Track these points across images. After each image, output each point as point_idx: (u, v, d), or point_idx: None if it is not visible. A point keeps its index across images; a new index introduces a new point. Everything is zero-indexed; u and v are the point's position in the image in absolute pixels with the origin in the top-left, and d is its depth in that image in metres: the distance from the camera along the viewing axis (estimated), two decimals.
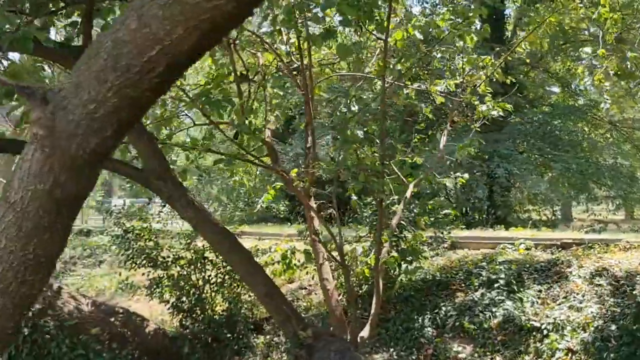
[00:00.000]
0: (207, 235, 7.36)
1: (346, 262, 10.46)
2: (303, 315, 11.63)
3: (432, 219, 11.02)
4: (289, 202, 25.02)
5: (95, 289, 15.34)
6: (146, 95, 2.66)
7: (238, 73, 10.42)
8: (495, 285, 10.67)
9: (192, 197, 7.02)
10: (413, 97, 10.42)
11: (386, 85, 10.39)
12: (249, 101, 9.84)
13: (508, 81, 10.68)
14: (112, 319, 10.93)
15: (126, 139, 7.48)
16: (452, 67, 11.00)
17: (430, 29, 9.64)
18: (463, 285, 11.05)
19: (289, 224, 23.31)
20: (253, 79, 10.49)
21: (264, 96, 10.67)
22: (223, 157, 8.97)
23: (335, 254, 8.77)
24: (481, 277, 11.02)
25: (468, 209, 22.98)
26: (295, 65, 10.38)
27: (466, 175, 10.64)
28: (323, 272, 9.20)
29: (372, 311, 8.80)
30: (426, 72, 10.91)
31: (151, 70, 2.57)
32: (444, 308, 10.53)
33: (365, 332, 8.77)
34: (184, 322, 11.55)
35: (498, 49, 13.89)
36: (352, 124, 8.55)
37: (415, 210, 10.70)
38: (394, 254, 9.43)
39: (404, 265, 10.83)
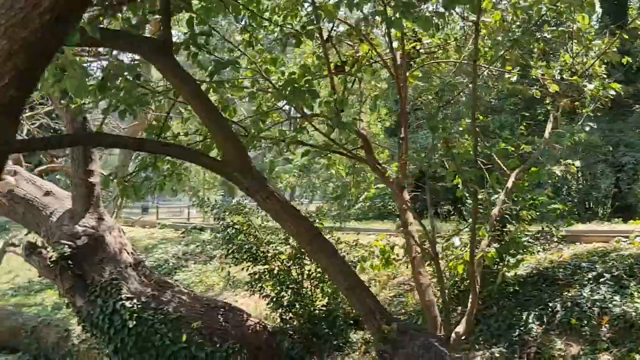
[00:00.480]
0: (288, 226, 7.23)
1: (443, 256, 10.15)
2: (402, 310, 11.40)
3: (538, 213, 10.45)
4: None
5: (205, 284, 15.61)
6: (40, 36, 2.44)
7: (332, 65, 10.30)
8: (606, 280, 9.96)
9: (274, 189, 6.91)
10: (513, 82, 9.96)
11: (484, 70, 10.05)
12: (343, 93, 9.65)
13: (624, 62, 9.98)
14: (214, 314, 11.07)
15: (207, 131, 7.53)
16: (563, 50, 10.42)
17: (532, 11, 9.12)
18: (571, 280, 10.35)
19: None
20: (349, 71, 10.33)
21: (360, 88, 10.52)
22: (312, 149, 8.87)
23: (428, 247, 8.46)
24: (591, 272, 10.30)
25: (591, 203, 22.05)
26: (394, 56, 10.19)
27: (577, 163, 10.05)
28: (417, 266, 8.92)
29: (469, 307, 8.46)
30: (533, 55, 10.31)
31: (37, 5, 2.36)
32: (550, 304, 9.89)
33: (460, 328, 8.43)
34: (284, 317, 11.54)
35: (612, 25, 13.08)
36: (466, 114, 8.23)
37: (519, 204, 10.16)
38: (492, 249, 8.97)
39: (508, 259, 10.34)
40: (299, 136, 8.74)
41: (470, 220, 10.69)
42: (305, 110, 8.48)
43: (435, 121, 7.62)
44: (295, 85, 7.66)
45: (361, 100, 10.23)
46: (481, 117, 10.61)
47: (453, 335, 8.28)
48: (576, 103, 10.38)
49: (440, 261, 10.37)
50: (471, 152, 8.11)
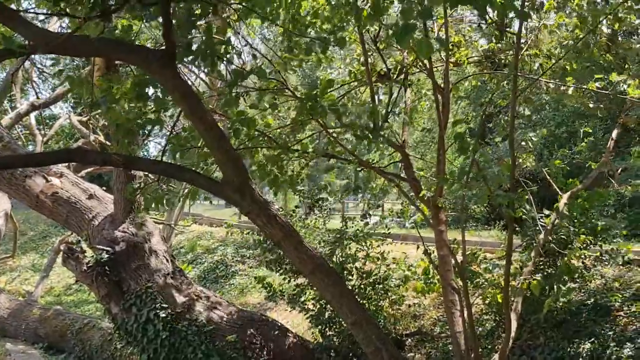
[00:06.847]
0: (290, 253, 6.79)
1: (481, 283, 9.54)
2: (445, 333, 10.80)
3: (600, 240, 9.51)
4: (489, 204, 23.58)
5: (259, 290, 15.27)
6: None
7: (375, 72, 9.79)
8: None
9: (275, 212, 6.49)
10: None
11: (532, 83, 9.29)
12: (388, 104, 9.08)
13: None
14: (250, 327, 10.76)
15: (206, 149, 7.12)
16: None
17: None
18: (628, 310, 9.47)
19: (489, 227, 21.88)
20: (396, 79, 9.79)
21: (404, 98, 9.98)
22: (340, 162, 8.40)
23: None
24: None
25: None
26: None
27: None
28: (449, 293, 8.29)
29: (503, 340, 7.79)
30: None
31: None
32: (601, 337, 9.05)
33: None
34: (325, 334, 11.09)
35: None
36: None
37: (576, 227, 9.31)
38: (537, 277, 8.24)
39: (559, 287, 9.51)
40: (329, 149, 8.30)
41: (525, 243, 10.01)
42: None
43: (465, 141, 6.93)
44: (316, 100, 7.15)
45: (406, 112, 9.68)
46: (544, 132, 9.90)
47: None
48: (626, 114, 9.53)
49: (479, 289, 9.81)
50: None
